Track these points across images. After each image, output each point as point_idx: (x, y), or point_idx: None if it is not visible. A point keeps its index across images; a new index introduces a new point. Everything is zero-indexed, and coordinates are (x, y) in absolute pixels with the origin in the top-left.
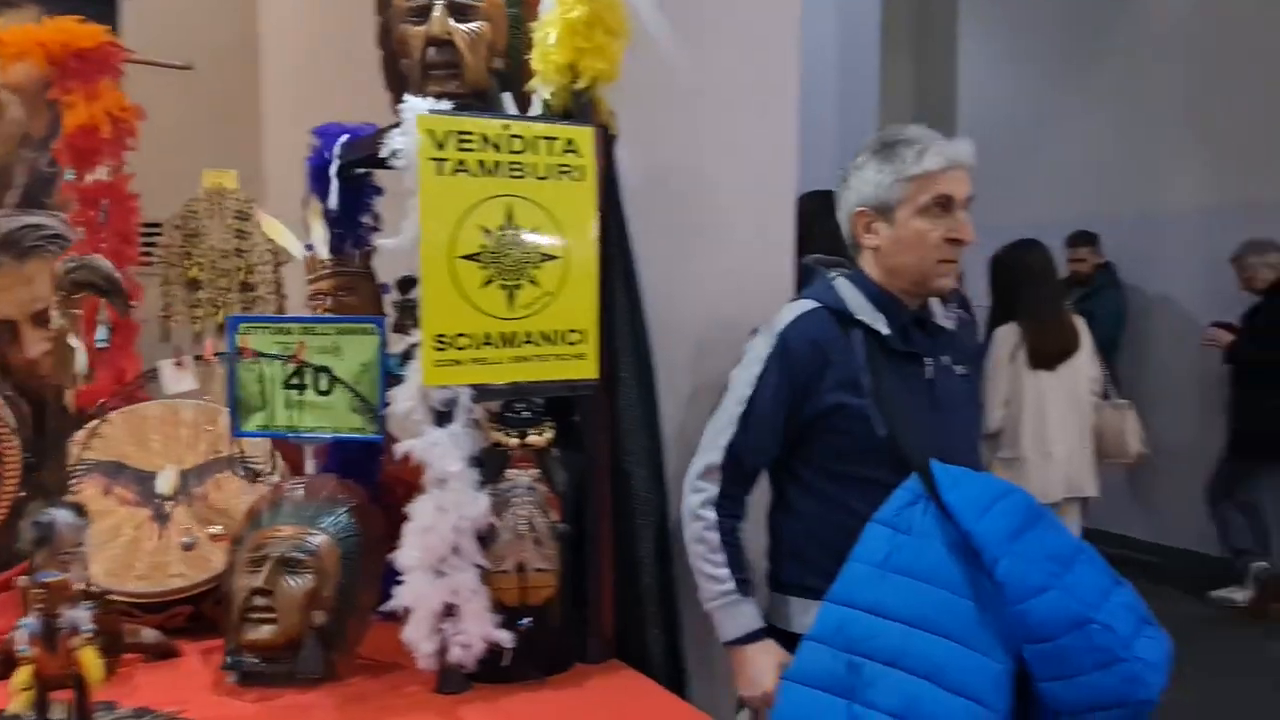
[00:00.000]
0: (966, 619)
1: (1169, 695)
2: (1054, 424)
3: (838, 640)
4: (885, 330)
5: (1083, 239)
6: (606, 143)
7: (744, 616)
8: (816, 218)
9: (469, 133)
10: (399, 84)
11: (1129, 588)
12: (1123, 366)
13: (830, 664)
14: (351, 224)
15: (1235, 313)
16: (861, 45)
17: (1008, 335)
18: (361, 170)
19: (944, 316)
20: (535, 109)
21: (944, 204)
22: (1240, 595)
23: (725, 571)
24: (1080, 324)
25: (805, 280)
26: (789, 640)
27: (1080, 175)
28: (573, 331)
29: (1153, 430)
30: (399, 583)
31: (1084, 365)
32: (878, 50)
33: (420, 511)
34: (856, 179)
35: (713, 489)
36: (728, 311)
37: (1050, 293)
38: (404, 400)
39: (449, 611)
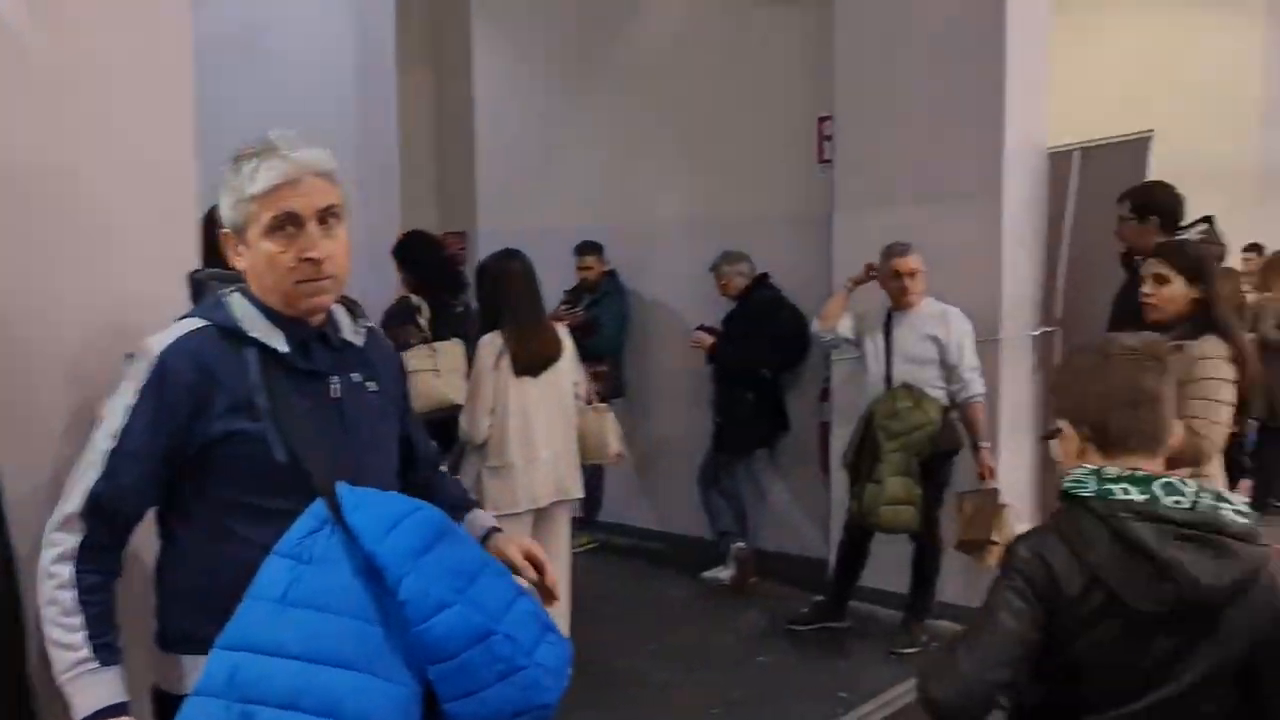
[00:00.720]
0: (374, 646)
1: (670, 665)
2: (540, 430)
3: (230, 691)
4: (283, 348)
5: (589, 248)
6: None
7: (100, 688)
8: None
9: None
10: None
11: (531, 598)
12: (628, 368)
13: (220, 719)
14: None
15: (719, 317)
16: (377, 52)
17: (491, 343)
18: None
19: (353, 331)
20: None
21: (292, 221)
22: (725, 574)
23: (81, 636)
24: (563, 330)
25: (197, 296)
26: None
27: (587, 186)
28: None
29: (656, 427)
30: None
31: (567, 370)
32: (394, 58)
33: None
34: (221, 197)
35: (71, 541)
36: (112, 333)
37: (532, 300)
38: None
39: None
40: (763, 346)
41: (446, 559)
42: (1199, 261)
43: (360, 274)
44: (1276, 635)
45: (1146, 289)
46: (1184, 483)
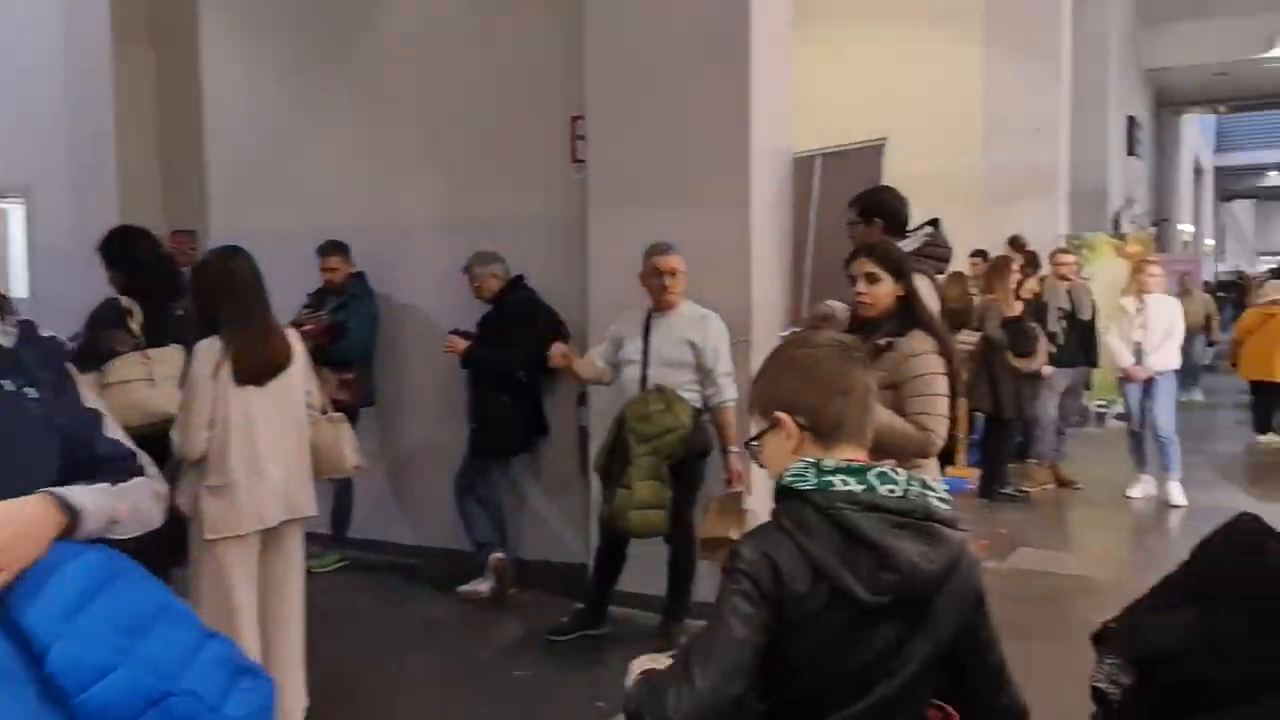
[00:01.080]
0: None
1: (419, 687)
2: (267, 443)
3: None
4: None
5: (333, 248)
6: None
7: None
8: None
9: None
10: None
11: (222, 639)
12: (379, 373)
13: None
14: None
15: (475, 320)
16: (89, 31)
17: (209, 349)
18: None
19: (0, 331)
20: None
21: None
22: (484, 586)
23: None
24: (293, 336)
25: None
26: None
27: (330, 185)
28: None
29: (410, 436)
30: None
31: (297, 378)
32: (109, 35)
33: None
34: None
35: None
36: None
37: (256, 302)
38: None
39: None
40: (518, 349)
41: (109, 613)
42: (901, 260)
43: (74, 276)
44: (976, 621)
45: (860, 288)
46: (895, 472)
